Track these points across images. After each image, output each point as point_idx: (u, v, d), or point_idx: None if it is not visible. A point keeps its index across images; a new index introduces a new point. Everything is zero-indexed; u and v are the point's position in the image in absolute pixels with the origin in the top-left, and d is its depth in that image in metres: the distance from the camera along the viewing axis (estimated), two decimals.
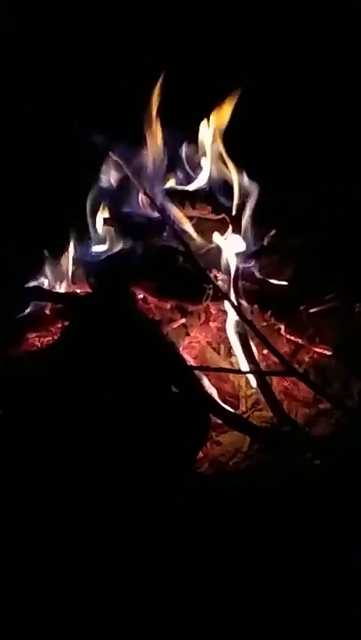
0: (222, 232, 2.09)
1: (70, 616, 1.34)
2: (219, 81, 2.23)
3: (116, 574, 1.40)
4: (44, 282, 2.11)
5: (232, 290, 1.98)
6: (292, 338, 2.06)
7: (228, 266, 2.01)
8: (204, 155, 2.19)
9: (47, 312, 2.04)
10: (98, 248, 2.15)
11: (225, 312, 1.99)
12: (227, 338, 1.98)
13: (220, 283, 2.02)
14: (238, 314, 1.91)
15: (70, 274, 2.12)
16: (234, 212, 2.11)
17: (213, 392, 1.84)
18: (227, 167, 2.14)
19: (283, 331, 2.06)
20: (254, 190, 2.09)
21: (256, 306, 2.06)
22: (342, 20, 2.99)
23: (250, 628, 1.33)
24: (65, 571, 1.41)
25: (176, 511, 1.52)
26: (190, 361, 1.91)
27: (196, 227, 2.15)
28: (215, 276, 2.05)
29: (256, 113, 2.65)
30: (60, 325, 2.02)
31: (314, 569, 1.42)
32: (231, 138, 2.16)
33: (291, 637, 1.33)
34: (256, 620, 1.34)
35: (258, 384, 1.85)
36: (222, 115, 2.13)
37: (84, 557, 1.42)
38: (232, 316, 1.93)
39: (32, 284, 2.11)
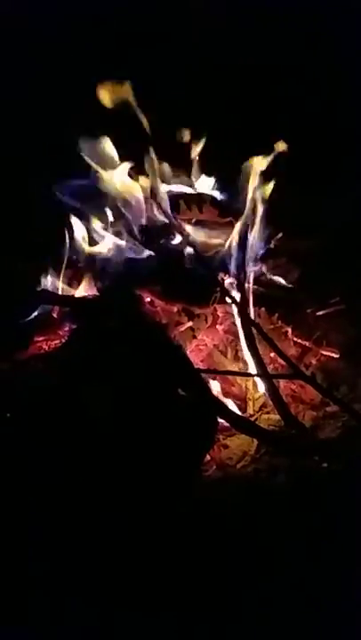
0: (229, 235, 2.10)
1: (71, 616, 1.35)
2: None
3: (120, 576, 1.40)
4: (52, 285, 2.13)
5: (239, 293, 1.98)
6: (300, 341, 2.06)
7: (235, 269, 2.01)
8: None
9: (55, 315, 2.05)
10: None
11: (232, 315, 1.99)
12: (234, 341, 1.98)
13: (227, 286, 2.02)
14: (245, 317, 1.91)
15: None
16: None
17: (220, 394, 1.85)
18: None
19: (290, 334, 2.06)
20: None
21: (263, 309, 2.06)
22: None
23: (257, 630, 1.33)
24: (68, 571, 1.41)
25: (182, 514, 1.52)
26: (198, 364, 1.91)
27: (202, 230, 2.16)
28: (222, 279, 2.05)
29: (265, 116, 2.67)
30: (67, 328, 2.03)
31: (320, 570, 1.42)
32: (239, 141, 2.17)
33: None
34: (264, 622, 1.34)
35: (265, 387, 1.85)
36: None
37: (88, 558, 1.42)
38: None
39: (40, 287, 2.12)
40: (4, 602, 1.36)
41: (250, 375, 1.89)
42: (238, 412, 1.81)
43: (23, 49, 2.89)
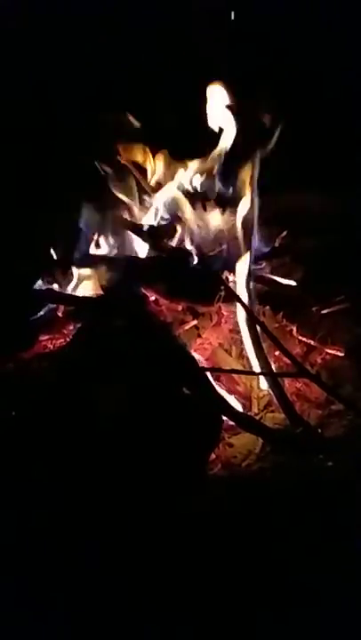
0: (232, 234, 2.09)
1: (72, 618, 1.35)
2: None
3: (124, 577, 1.40)
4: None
5: (244, 291, 1.98)
6: (304, 339, 2.06)
7: (239, 267, 2.01)
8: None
9: (59, 314, 2.05)
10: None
11: (236, 313, 1.99)
12: (238, 339, 1.98)
13: (231, 284, 2.02)
14: (250, 315, 1.91)
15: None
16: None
17: (225, 393, 1.85)
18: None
19: (295, 332, 2.06)
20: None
21: (268, 307, 2.06)
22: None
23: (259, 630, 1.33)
24: (70, 571, 1.41)
25: (187, 513, 1.52)
26: (202, 362, 1.91)
27: (207, 228, 2.16)
28: (227, 278, 2.05)
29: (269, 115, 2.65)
30: (72, 327, 2.03)
31: (324, 570, 1.42)
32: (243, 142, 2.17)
33: None
34: (266, 622, 1.34)
35: (270, 385, 1.85)
36: None
37: (91, 558, 1.43)
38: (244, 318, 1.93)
39: (44, 286, 2.12)
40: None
41: (255, 374, 1.89)
42: (243, 411, 1.81)
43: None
